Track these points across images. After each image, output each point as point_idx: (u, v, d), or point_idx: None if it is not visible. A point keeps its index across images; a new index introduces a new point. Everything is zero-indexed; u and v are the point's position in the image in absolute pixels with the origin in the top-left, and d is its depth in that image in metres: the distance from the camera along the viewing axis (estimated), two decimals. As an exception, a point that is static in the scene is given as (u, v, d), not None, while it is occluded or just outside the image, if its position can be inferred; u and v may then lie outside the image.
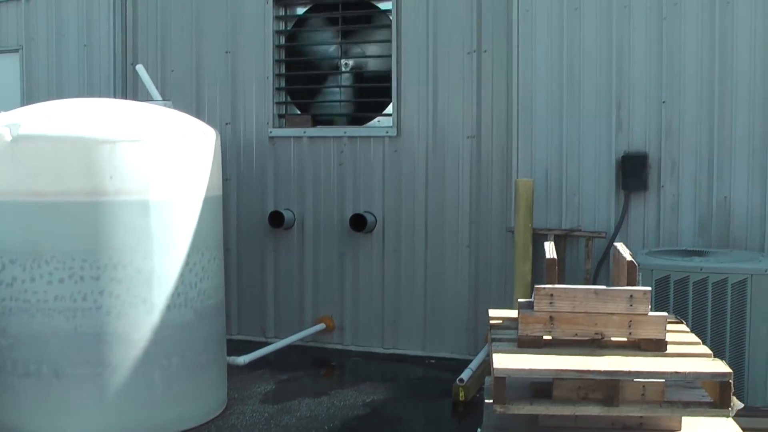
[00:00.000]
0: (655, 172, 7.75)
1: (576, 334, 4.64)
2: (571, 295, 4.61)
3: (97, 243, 6.26)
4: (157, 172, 6.40)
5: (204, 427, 6.72)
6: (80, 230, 6.26)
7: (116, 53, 9.82)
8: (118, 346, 6.33)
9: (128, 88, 9.84)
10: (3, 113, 6.74)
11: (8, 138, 6.26)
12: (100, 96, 9.36)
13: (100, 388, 6.32)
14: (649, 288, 4.63)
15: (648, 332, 4.58)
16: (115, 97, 9.49)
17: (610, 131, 7.86)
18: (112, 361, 6.32)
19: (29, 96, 9.98)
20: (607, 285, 4.73)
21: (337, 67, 9.29)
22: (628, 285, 4.72)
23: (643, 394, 4.46)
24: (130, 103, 7.46)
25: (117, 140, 6.27)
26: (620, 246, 5.16)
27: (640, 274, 5.33)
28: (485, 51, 8.49)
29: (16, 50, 10.26)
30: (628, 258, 4.79)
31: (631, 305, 4.57)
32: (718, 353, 4.75)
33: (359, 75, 9.25)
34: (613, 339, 4.67)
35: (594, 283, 7.66)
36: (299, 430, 6.71)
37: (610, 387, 4.39)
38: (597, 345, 4.65)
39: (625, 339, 4.65)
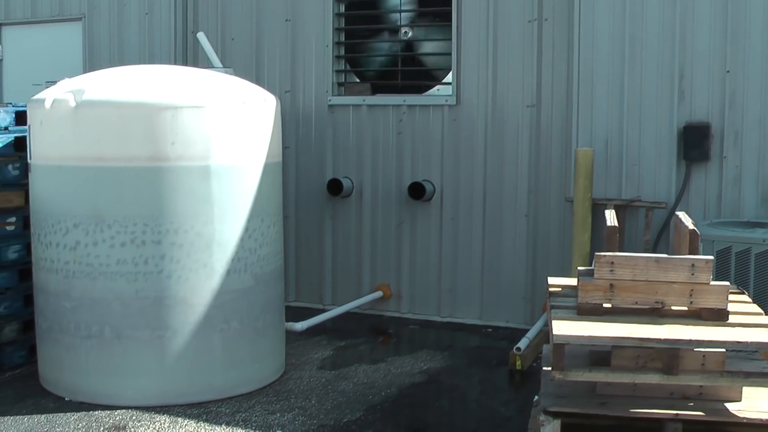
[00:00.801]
0: (718, 142, 7.65)
1: (636, 303, 4.63)
2: (632, 263, 4.59)
3: (159, 208, 6.33)
4: (219, 138, 6.44)
5: (262, 392, 6.78)
6: (142, 195, 6.33)
7: (177, 21, 9.89)
8: (179, 309, 6.42)
9: (189, 56, 9.91)
10: (67, 79, 6.82)
11: (72, 104, 6.34)
12: (160, 64, 9.42)
13: (160, 351, 6.41)
14: (712, 257, 4.59)
15: (709, 301, 4.55)
16: (175, 65, 9.55)
17: (672, 101, 7.76)
18: (172, 324, 6.41)
19: (91, 64, 10.09)
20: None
21: (397, 35, 9.27)
22: (689, 254, 4.68)
23: (703, 364, 4.44)
24: (192, 69, 7.52)
25: (179, 106, 6.32)
26: (682, 215, 5.12)
27: (701, 245, 5.29)
28: (546, 19, 8.41)
29: (79, 19, 10.38)
30: (691, 226, 4.75)
31: (692, 274, 4.54)
32: (780, 325, 4.69)
33: (419, 43, 9.22)
34: (673, 308, 4.65)
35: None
36: (356, 395, 6.75)
37: (669, 356, 4.38)
38: (657, 314, 4.63)
39: (686, 308, 4.63)
